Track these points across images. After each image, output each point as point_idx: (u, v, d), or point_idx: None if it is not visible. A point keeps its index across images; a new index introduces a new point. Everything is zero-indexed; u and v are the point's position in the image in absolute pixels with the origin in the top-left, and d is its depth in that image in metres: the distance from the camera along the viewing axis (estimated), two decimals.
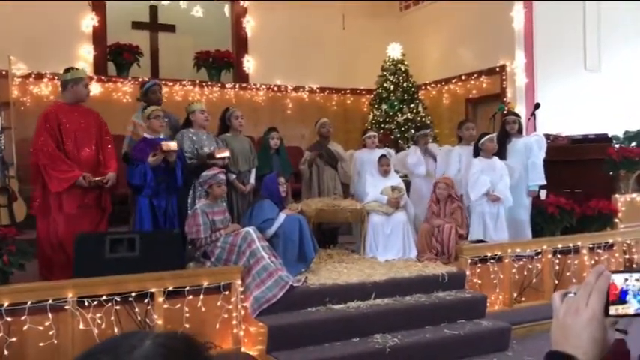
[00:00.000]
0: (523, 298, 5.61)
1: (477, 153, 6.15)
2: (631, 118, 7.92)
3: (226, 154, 5.43)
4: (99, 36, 9.10)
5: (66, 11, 8.73)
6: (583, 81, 9.08)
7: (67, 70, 5.03)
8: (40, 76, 8.58)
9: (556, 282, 5.75)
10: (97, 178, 4.69)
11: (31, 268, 4.42)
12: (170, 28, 10.49)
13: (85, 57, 8.95)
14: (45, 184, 4.65)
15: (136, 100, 6.68)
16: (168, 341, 0.77)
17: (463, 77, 9.64)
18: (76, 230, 4.52)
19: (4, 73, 8.11)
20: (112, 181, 4.78)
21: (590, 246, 6.10)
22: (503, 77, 8.87)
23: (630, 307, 0.94)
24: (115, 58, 9.26)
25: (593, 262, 6.04)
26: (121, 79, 9.08)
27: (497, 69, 8.97)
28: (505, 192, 5.91)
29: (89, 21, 9.02)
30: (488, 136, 6.14)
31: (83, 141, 4.80)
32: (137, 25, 10.22)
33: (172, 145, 4.93)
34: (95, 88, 8.30)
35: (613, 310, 0.93)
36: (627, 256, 6.47)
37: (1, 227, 4.66)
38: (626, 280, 0.94)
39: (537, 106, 7.16)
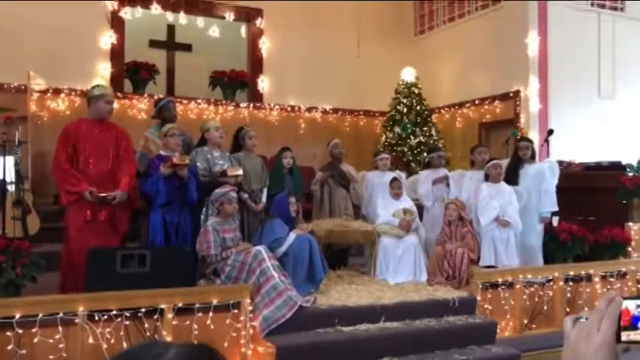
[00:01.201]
0: (534, 326, 5.55)
1: (487, 178, 6.15)
2: None
3: (239, 172, 5.46)
4: (117, 53, 9.25)
5: (85, 28, 8.90)
6: (597, 108, 9.07)
7: (93, 87, 5.13)
8: (57, 92, 8.72)
9: (567, 310, 5.69)
10: (103, 194, 4.70)
11: (43, 281, 4.44)
12: (187, 47, 10.67)
13: (102, 73, 9.09)
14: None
15: (151, 118, 6.76)
16: (193, 351, 0.78)
17: (477, 102, 9.67)
18: (84, 244, 4.52)
19: (22, 88, 8.25)
20: (120, 198, 4.74)
21: (603, 274, 6.04)
22: (517, 103, 8.88)
23: None
24: (131, 75, 9.40)
25: (605, 290, 5.96)
26: (137, 96, 9.20)
27: (511, 94, 8.99)
28: (515, 216, 5.89)
29: (108, 38, 9.17)
30: (493, 162, 6.14)
31: (100, 156, 4.83)
32: (154, 44, 10.41)
33: (183, 158, 4.96)
34: None
35: (625, 336, 0.92)
36: None
37: (15, 240, 4.69)
38: (638, 306, 0.94)
39: (551, 132, 7.15)
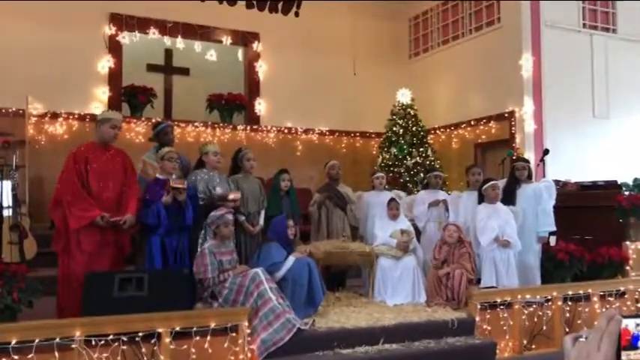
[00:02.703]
0: (533, 346, 5.52)
1: (481, 199, 6.16)
2: None
3: (238, 196, 5.47)
4: (114, 77, 9.32)
5: (83, 52, 8.97)
6: (592, 128, 9.13)
7: (103, 111, 5.20)
8: (55, 116, 8.76)
9: (567, 330, 5.66)
10: (114, 219, 4.73)
11: (39, 306, 4.41)
12: (184, 71, 10.76)
13: (100, 97, 9.15)
14: (67, 221, 4.69)
15: (148, 141, 6.78)
16: None
17: (472, 122, 9.73)
18: (94, 268, 4.54)
19: (20, 112, 8.29)
20: (130, 222, 4.82)
21: (602, 293, 6.02)
22: (512, 123, 8.94)
23: None
24: (129, 99, 9.46)
25: (604, 310, 5.95)
26: (135, 120, 9.24)
27: (506, 115, 9.05)
28: (514, 236, 5.90)
29: (105, 62, 9.25)
30: (490, 184, 6.15)
31: (108, 181, 4.86)
32: (152, 68, 10.50)
33: (179, 181, 4.97)
34: None
35: (625, 356, 0.92)
36: (639, 305, 6.38)
37: (12, 264, 4.68)
38: (638, 325, 0.93)
39: (546, 152, 7.20)
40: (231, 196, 5.35)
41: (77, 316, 4.31)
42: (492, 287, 5.77)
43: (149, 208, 4.90)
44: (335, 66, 10.56)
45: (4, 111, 8.38)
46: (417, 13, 11.27)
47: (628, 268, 6.51)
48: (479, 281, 5.95)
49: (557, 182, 6.95)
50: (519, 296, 5.51)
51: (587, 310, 5.87)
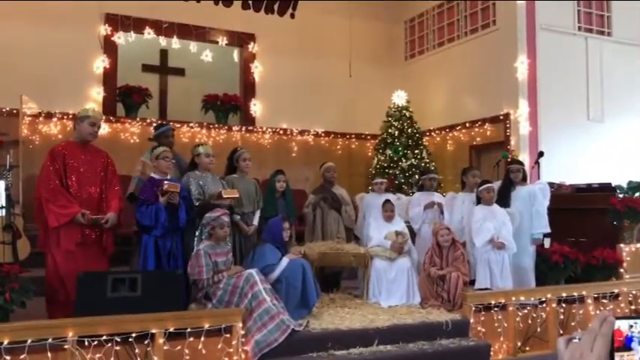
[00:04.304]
0: (527, 348, 5.52)
1: (479, 200, 6.18)
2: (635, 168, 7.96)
3: (235, 195, 5.45)
4: (109, 77, 9.30)
5: (78, 52, 8.95)
6: (586, 131, 9.16)
7: (82, 109, 5.12)
8: (49, 116, 8.72)
9: (561, 332, 5.67)
10: (95, 217, 4.67)
11: (32, 306, 4.38)
12: (180, 72, 10.75)
13: (94, 97, 9.12)
14: (46, 220, 4.63)
15: (143, 141, 6.77)
16: None
17: (467, 125, 9.75)
18: (74, 267, 4.47)
19: (14, 112, 8.26)
20: (112, 221, 4.73)
21: (596, 296, 6.04)
22: (507, 125, 8.95)
23: (636, 355, 0.92)
24: (124, 99, 9.43)
25: (598, 312, 5.95)
26: (129, 120, 9.21)
27: (501, 117, 9.07)
28: (509, 238, 5.91)
29: (100, 63, 9.22)
30: (485, 186, 6.16)
31: (88, 180, 4.79)
32: (147, 68, 10.48)
33: (173, 184, 4.93)
34: (103, 128, 8.41)
35: (618, 357, 0.91)
36: (633, 307, 6.39)
37: (5, 264, 4.65)
38: (631, 326, 0.93)
39: (541, 154, 7.21)
40: (226, 195, 5.33)
41: (62, 315, 4.28)
42: (486, 289, 5.78)
43: (147, 209, 4.87)
44: (331, 67, 10.57)
45: None
46: (412, 15, 11.29)
47: (622, 270, 6.53)
48: (472, 282, 5.96)
49: (551, 185, 6.97)
50: (514, 298, 5.52)
51: (581, 312, 5.88)
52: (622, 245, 6.65)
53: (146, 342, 4.11)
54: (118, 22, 9.33)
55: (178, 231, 5.06)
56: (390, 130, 9.80)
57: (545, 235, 6.39)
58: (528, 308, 5.65)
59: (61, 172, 4.66)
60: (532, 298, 5.74)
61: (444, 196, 7.16)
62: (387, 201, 6.42)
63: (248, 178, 6.09)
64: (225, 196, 5.33)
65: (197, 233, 5.21)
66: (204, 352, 4.27)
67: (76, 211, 4.55)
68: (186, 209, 5.07)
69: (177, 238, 5.06)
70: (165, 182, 4.93)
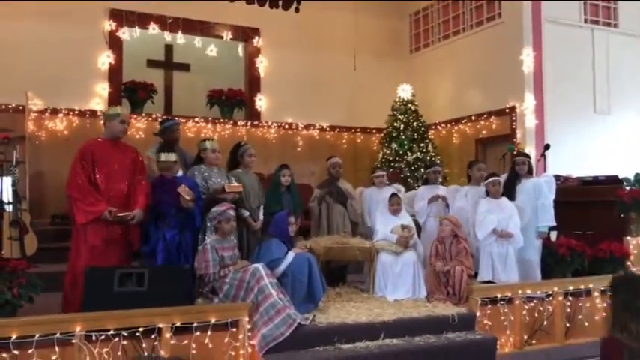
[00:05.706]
0: (534, 341, 5.52)
1: (488, 194, 6.17)
2: None
3: (239, 188, 5.46)
4: (115, 73, 9.32)
5: (83, 48, 8.98)
6: (593, 123, 9.12)
7: (109, 107, 5.19)
8: (55, 112, 8.76)
9: (567, 325, 5.66)
10: (122, 214, 4.72)
11: (40, 301, 4.41)
12: (185, 67, 10.76)
13: (100, 93, 9.15)
14: (74, 216, 4.68)
15: (149, 137, 6.78)
16: None
17: (473, 118, 9.72)
18: (102, 264, 4.53)
19: (20, 108, 8.30)
20: (138, 217, 4.79)
21: (602, 289, 6.02)
22: (513, 118, 8.93)
23: None
24: (129, 94, 9.46)
25: (605, 305, 5.95)
26: (135, 116, 9.23)
27: (507, 110, 9.04)
28: (516, 231, 5.89)
29: (105, 58, 9.25)
30: (491, 180, 6.15)
31: (116, 177, 4.84)
32: (152, 64, 10.50)
33: (188, 191, 4.94)
34: None
35: None
36: None
37: (12, 260, 4.67)
38: None
39: (547, 147, 7.18)
40: (229, 189, 5.34)
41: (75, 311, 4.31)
42: (489, 281, 5.77)
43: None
44: (335, 61, 10.56)
45: (4, 107, 8.39)
46: (417, 9, 11.25)
47: (629, 263, 6.50)
48: (476, 275, 5.96)
49: (558, 177, 6.94)
50: (520, 291, 5.51)
51: (587, 305, 5.87)
52: (629, 238, 6.62)
53: (153, 336, 4.13)
54: (123, 17, 9.35)
55: (190, 228, 5.07)
56: (395, 124, 9.79)
57: (551, 229, 6.37)
58: (535, 301, 5.64)
59: (89, 170, 4.73)
60: (538, 292, 5.73)
61: (447, 188, 7.14)
62: (394, 195, 6.41)
63: (252, 174, 6.10)
64: (228, 190, 5.33)
65: (202, 228, 5.21)
66: (210, 346, 4.29)
67: (103, 209, 4.62)
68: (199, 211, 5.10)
69: (187, 233, 5.05)
70: (180, 189, 4.91)
